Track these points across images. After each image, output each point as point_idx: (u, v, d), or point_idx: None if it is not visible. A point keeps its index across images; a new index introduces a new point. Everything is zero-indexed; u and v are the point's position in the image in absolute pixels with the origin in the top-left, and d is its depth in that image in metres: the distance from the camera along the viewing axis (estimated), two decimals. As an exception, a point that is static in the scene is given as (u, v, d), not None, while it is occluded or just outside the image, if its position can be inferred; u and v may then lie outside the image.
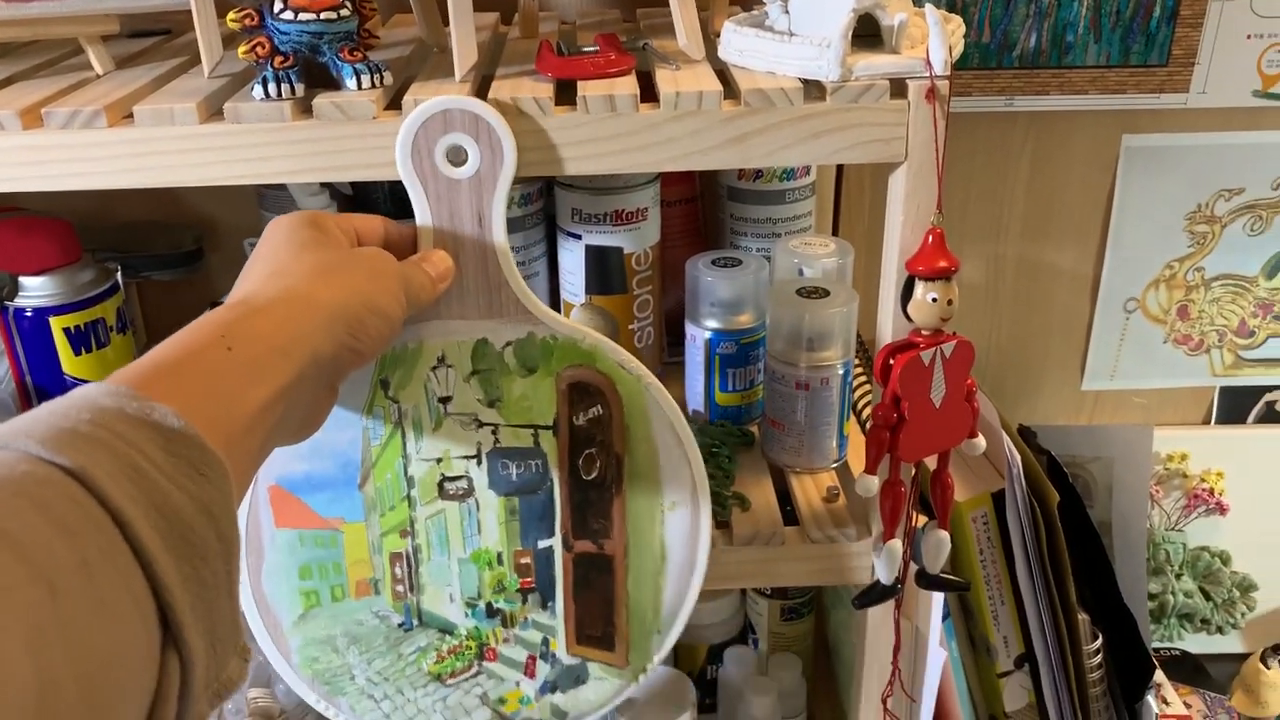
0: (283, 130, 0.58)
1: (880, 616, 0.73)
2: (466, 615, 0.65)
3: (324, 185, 0.77)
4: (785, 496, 0.75)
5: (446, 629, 0.65)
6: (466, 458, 0.62)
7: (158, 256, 0.86)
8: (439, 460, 0.62)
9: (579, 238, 0.79)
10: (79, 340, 0.71)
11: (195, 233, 0.90)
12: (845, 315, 0.73)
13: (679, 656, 0.91)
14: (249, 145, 0.58)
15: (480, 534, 0.64)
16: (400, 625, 0.65)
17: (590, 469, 0.63)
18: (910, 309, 0.62)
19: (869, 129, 0.59)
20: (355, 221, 0.57)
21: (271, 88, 0.58)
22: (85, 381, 0.72)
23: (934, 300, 0.61)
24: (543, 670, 0.66)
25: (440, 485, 0.63)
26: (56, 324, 0.71)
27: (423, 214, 0.59)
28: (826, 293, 0.74)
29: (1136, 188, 0.98)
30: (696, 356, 0.81)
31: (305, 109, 0.59)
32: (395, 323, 0.53)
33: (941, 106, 0.59)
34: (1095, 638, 0.87)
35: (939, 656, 0.75)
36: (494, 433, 0.62)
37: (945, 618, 0.87)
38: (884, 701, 0.75)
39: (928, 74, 0.59)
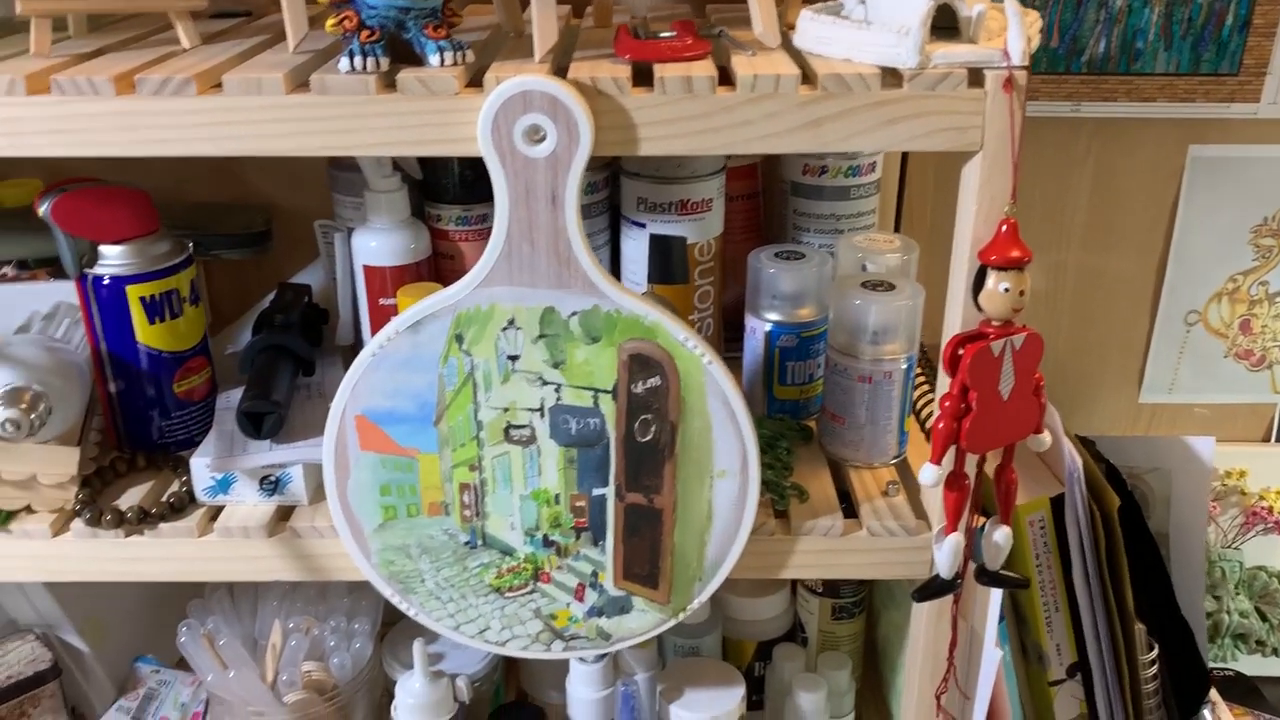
0: (367, 103, 0.59)
1: (936, 612, 0.72)
2: (525, 542, 0.69)
3: (396, 168, 0.78)
4: (843, 495, 0.75)
5: (507, 551, 0.69)
6: (531, 410, 0.66)
7: (228, 235, 0.88)
8: (506, 409, 0.66)
9: (643, 226, 0.80)
10: (153, 309, 0.73)
11: (265, 214, 0.92)
12: (911, 309, 0.73)
13: (727, 652, 0.91)
14: (333, 117, 0.59)
15: (540, 476, 0.67)
16: (466, 543, 0.69)
17: (645, 433, 0.65)
18: (981, 299, 0.61)
19: (945, 117, 0.60)
20: None
21: (357, 61, 0.59)
22: (158, 350, 0.74)
23: (1006, 290, 0.61)
24: (591, 597, 0.70)
25: (506, 431, 0.66)
26: (133, 292, 0.72)
27: (500, 189, 0.60)
28: (892, 286, 0.74)
29: (1201, 199, 0.97)
30: (756, 349, 0.81)
31: (389, 84, 0.60)
32: None
33: (1019, 97, 0.59)
34: (1151, 648, 0.86)
35: (994, 656, 0.74)
36: (557, 391, 0.65)
37: (999, 621, 0.86)
38: (938, 698, 0.74)
39: (1006, 64, 0.59)
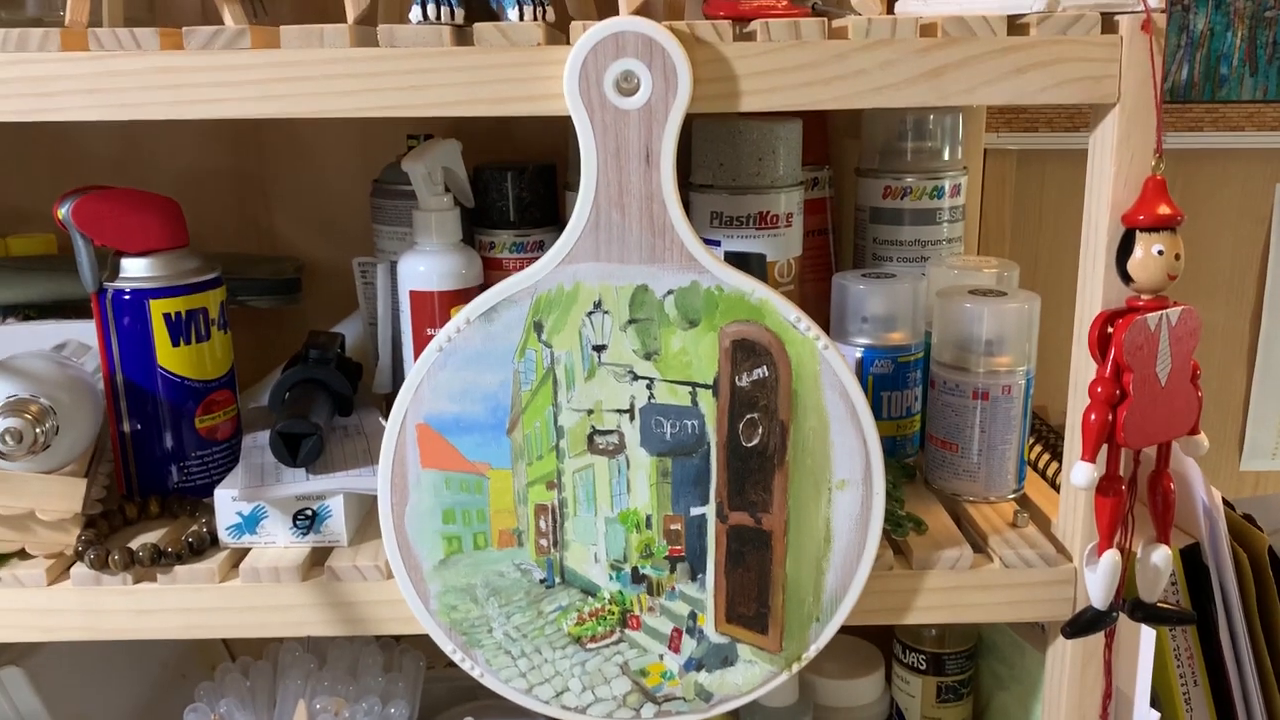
0: (441, 56, 0.53)
1: (1082, 659, 0.62)
2: (611, 578, 0.59)
3: (447, 189, 0.71)
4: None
5: (589, 590, 0.59)
6: (619, 411, 0.57)
7: (255, 281, 0.81)
8: (590, 412, 0.57)
9: (718, 244, 0.73)
10: (178, 329, 0.65)
11: (296, 262, 0.85)
12: (1027, 314, 0.66)
13: (815, 746, 0.79)
14: (403, 72, 0.53)
15: (629, 494, 0.58)
16: (542, 581, 0.59)
17: (751, 435, 0.56)
18: (1132, 268, 0.54)
19: (1078, 65, 0.54)
20: None
21: (431, 9, 0.53)
22: (180, 377, 0.65)
23: (1160, 253, 0.54)
24: (688, 646, 0.59)
25: (590, 438, 0.57)
26: (156, 308, 0.64)
27: (588, 148, 0.54)
28: (1002, 294, 0.67)
29: (1292, 243, 0.91)
30: (845, 381, 0.73)
31: (465, 38, 0.54)
32: None
33: (1158, 41, 0.54)
34: (1311, 726, 0.75)
35: (1150, 719, 0.63)
36: (649, 387, 0.56)
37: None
38: (1092, 769, 0.63)
39: (1142, 6, 0.54)
